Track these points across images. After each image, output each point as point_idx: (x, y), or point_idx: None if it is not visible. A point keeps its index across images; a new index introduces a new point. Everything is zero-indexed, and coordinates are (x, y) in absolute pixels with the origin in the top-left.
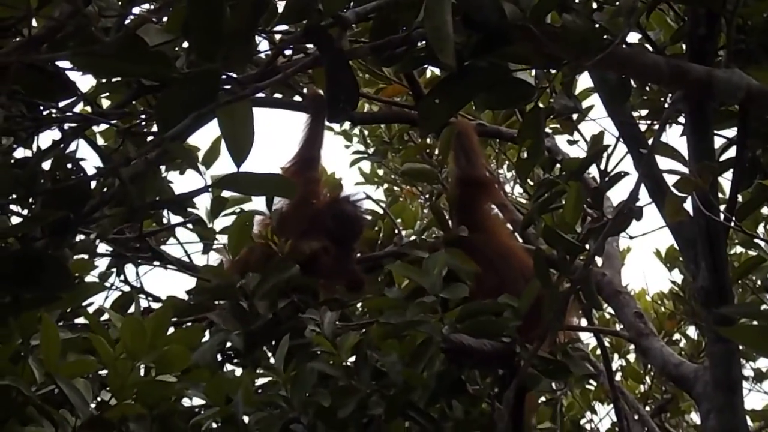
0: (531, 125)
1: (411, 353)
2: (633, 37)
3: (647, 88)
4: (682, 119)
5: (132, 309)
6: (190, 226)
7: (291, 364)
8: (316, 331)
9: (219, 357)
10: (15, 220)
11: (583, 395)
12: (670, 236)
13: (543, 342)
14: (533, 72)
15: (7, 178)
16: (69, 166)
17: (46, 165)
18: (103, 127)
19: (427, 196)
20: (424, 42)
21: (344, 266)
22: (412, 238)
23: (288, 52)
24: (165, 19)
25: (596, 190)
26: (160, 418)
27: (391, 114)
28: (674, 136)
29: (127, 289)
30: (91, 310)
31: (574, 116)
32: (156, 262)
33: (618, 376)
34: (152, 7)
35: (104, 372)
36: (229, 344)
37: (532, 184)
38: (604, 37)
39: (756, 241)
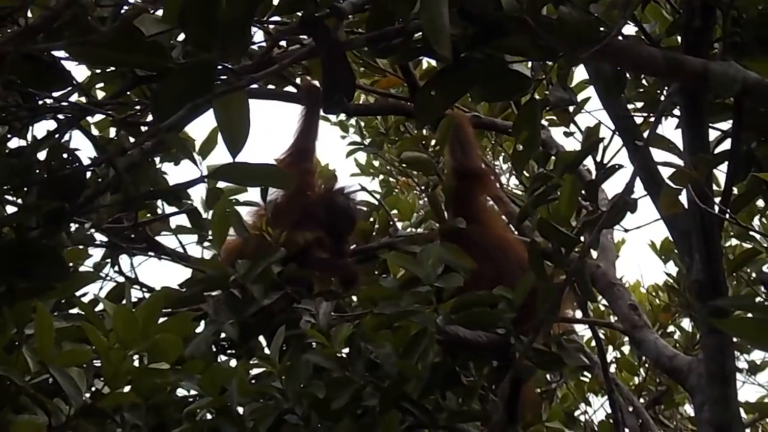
0: (527, 117)
1: (405, 344)
2: (629, 30)
3: (643, 81)
4: (677, 111)
5: (125, 300)
6: (184, 217)
7: (285, 355)
8: (311, 323)
9: (213, 348)
10: (10, 209)
11: (577, 387)
12: (665, 228)
13: (538, 334)
14: (529, 64)
15: (2, 168)
16: (64, 156)
17: (41, 155)
18: (98, 117)
19: (423, 187)
20: (420, 33)
21: (338, 260)
22: (409, 230)
23: (283, 43)
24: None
25: (591, 183)
26: (155, 408)
27: (387, 105)
28: (669, 128)
29: (121, 279)
30: (85, 300)
31: (570, 108)
32: (150, 253)
33: (612, 368)
34: None
35: (99, 362)
36: (223, 335)
37: (528, 175)
38: (600, 29)
39: (751, 233)
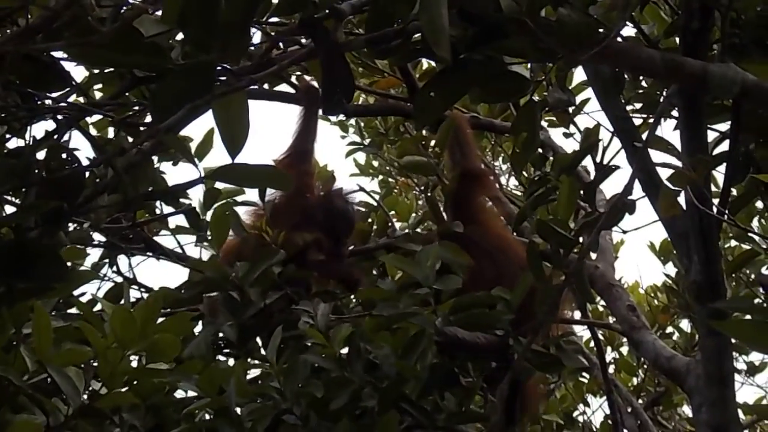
0: (526, 118)
1: (404, 345)
2: (627, 31)
3: (642, 82)
4: (675, 113)
5: (123, 300)
6: (182, 217)
7: (284, 355)
8: (309, 323)
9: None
10: (9, 209)
11: (576, 388)
12: (664, 229)
13: (536, 335)
14: (528, 65)
15: (1, 168)
16: (63, 156)
17: (40, 155)
18: (96, 117)
19: (422, 188)
20: (419, 35)
21: (338, 263)
22: (406, 230)
23: (281, 44)
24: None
25: (589, 184)
26: (153, 409)
27: (386, 106)
28: (668, 129)
29: (119, 279)
30: (83, 300)
31: (570, 109)
32: (149, 253)
33: (611, 369)
34: None
35: (96, 363)
36: (221, 335)
37: (527, 176)
38: (599, 31)
39: (750, 234)
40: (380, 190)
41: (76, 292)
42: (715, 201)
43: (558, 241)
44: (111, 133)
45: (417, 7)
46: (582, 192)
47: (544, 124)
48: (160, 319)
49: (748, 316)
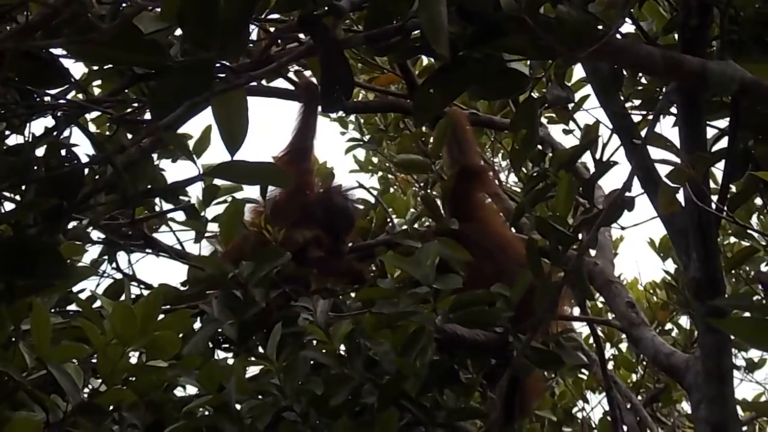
0: (525, 115)
1: (404, 342)
2: (626, 28)
3: (641, 79)
4: (674, 110)
5: (123, 296)
6: (182, 214)
7: (284, 352)
8: (309, 320)
9: (210, 345)
10: (8, 206)
11: (575, 384)
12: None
13: (536, 332)
14: (528, 62)
15: (0, 165)
16: (62, 153)
17: (40, 152)
18: (95, 114)
19: (422, 184)
20: (418, 32)
21: (339, 260)
22: (404, 227)
23: (280, 41)
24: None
25: (587, 181)
26: (153, 406)
27: (385, 103)
28: (666, 126)
29: (119, 276)
30: (83, 297)
31: (570, 106)
32: (148, 250)
33: (610, 366)
34: None
35: (96, 359)
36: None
37: (526, 173)
38: (598, 28)
39: (749, 231)
40: (380, 187)
41: (75, 289)
42: (714, 198)
43: (557, 237)
44: (110, 130)
45: (416, 4)
46: (581, 188)
47: (543, 120)
48: (160, 316)
49: (747, 314)
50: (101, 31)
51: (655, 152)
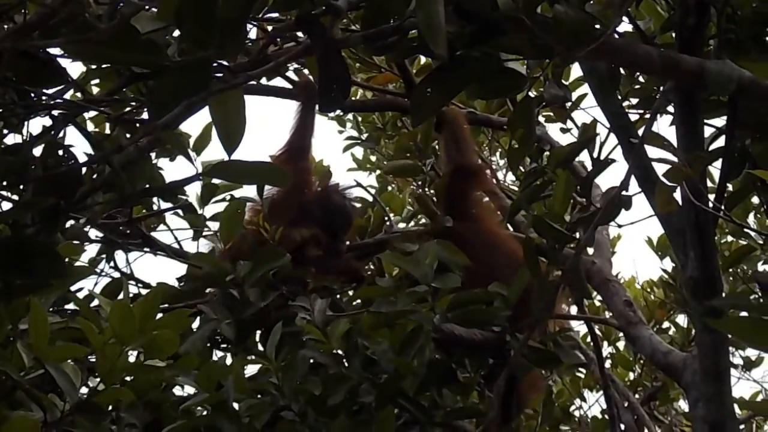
0: (522, 114)
1: (401, 342)
2: (623, 27)
3: (639, 78)
4: (671, 109)
5: (121, 295)
6: (180, 212)
7: (282, 351)
8: (307, 319)
9: (208, 344)
10: (6, 206)
11: (572, 382)
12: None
13: (533, 331)
14: (525, 62)
15: None
16: (60, 152)
17: (37, 152)
18: (93, 114)
19: (420, 182)
20: (416, 31)
21: (337, 259)
22: (401, 225)
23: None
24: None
25: (585, 179)
26: (151, 405)
27: (383, 102)
28: (663, 125)
29: (117, 275)
30: (81, 296)
31: (567, 105)
32: (146, 249)
33: (607, 364)
34: None
35: (94, 359)
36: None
37: (524, 171)
38: (596, 27)
39: (746, 230)
40: (378, 185)
41: (73, 288)
42: (711, 197)
43: (554, 236)
44: (108, 129)
45: (413, 3)
46: (578, 187)
47: (541, 119)
48: (158, 315)
49: (744, 313)
50: (99, 31)
51: (652, 151)
